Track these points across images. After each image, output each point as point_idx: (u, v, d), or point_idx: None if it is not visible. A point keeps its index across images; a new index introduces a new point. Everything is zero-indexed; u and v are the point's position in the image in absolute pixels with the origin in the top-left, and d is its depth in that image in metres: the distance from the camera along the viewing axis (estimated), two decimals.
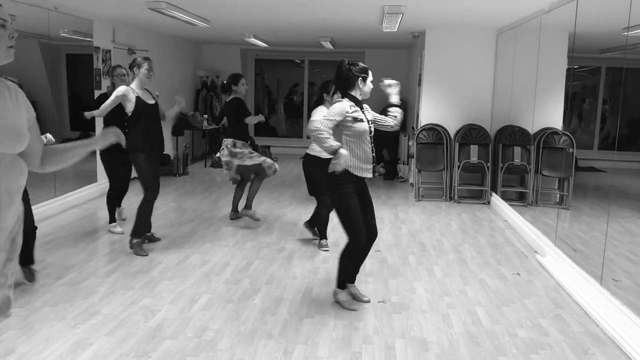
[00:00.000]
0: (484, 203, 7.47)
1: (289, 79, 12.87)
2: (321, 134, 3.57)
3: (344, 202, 3.70)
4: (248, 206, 5.97)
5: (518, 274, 4.68)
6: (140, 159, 4.77)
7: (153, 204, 4.93)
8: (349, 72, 3.76)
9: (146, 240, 5.05)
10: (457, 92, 7.79)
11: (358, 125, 3.70)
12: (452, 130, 7.76)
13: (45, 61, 6.49)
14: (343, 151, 3.53)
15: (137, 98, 4.75)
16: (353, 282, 4.02)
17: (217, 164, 10.10)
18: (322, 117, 3.72)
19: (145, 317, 3.59)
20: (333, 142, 3.55)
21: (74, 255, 4.80)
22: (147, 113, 4.80)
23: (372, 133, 3.82)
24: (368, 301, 3.94)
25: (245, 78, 6.06)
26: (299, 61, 12.47)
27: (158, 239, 5.27)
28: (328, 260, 4.82)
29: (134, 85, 4.81)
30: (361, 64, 3.81)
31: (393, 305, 3.91)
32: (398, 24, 6.86)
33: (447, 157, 7.69)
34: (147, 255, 4.81)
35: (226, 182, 8.65)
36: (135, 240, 4.86)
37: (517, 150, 7.06)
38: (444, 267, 4.79)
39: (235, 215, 6.15)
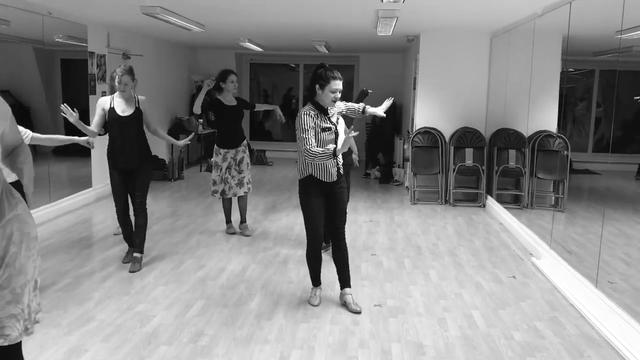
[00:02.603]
0: (480, 206, 7.48)
1: (284, 83, 12.88)
2: (314, 154, 3.57)
3: (302, 202, 3.88)
4: (243, 220, 5.85)
5: (514, 276, 4.68)
6: (111, 173, 4.72)
7: (122, 220, 4.79)
8: (313, 76, 3.72)
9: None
10: (452, 96, 7.80)
11: (324, 135, 3.71)
12: (447, 133, 7.78)
13: (40, 66, 6.48)
14: (337, 149, 3.57)
15: (111, 110, 4.60)
16: (348, 286, 3.98)
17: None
18: (301, 135, 3.66)
19: (140, 323, 3.58)
20: (325, 152, 3.56)
21: (69, 261, 4.78)
22: (116, 125, 4.63)
23: (338, 138, 3.81)
24: (358, 312, 3.82)
25: (240, 79, 5.75)
26: (293, 65, 12.48)
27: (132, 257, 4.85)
28: (324, 265, 4.81)
29: (116, 95, 4.67)
30: (329, 72, 3.67)
31: (389, 309, 3.91)
32: (393, 28, 6.88)
33: (442, 161, 7.70)
34: (126, 262, 4.76)
35: None
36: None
37: (512, 153, 7.07)
38: (439, 271, 4.79)
39: (231, 229, 5.86)
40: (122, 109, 4.61)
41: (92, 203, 7.06)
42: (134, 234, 4.75)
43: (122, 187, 4.69)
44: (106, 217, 6.36)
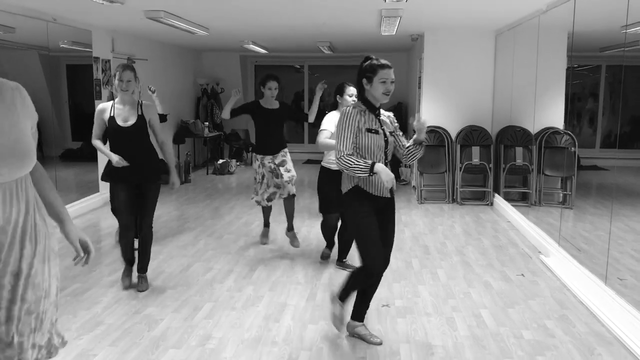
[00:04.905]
0: (487, 204, 7.45)
1: (290, 84, 12.88)
2: (347, 163, 3.03)
3: (356, 221, 3.20)
4: (290, 227, 5.36)
5: (522, 275, 4.65)
6: (112, 187, 4.17)
7: (126, 240, 4.25)
8: (358, 72, 3.22)
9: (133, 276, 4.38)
10: (458, 94, 7.78)
11: (370, 137, 3.11)
12: (453, 132, 7.75)
13: (45, 72, 6.51)
14: (378, 166, 2.97)
15: (110, 119, 4.04)
16: (362, 321, 3.46)
17: (219, 171, 10.11)
18: (338, 134, 3.14)
19: (148, 327, 3.58)
20: (363, 163, 2.99)
21: (77, 266, 4.78)
22: (116, 137, 4.08)
23: (389, 148, 3.23)
24: (379, 343, 3.37)
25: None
26: (298, 66, 12.49)
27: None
28: (331, 265, 4.81)
29: (117, 100, 4.11)
30: (374, 61, 3.17)
31: (397, 310, 3.90)
32: (396, 27, 6.87)
33: (448, 159, 7.68)
34: (127, 286, 4.26)
35: (228, 190, 8.66)
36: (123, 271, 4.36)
37: (519, 150, 7.05)
38: (447, 270, 4.77)
39: (265, 239, 5.58)
40: (124, 118, 4.05)
41: (99, 208, 7.08)
42: (140, 254, 4.34)
43: (128, 202, 4.14)
44: (114, 222, 6.35)
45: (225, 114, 5.10)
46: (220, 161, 10.28)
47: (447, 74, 7.74)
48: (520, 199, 7.07)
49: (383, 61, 3.17)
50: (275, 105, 5.12)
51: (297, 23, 7.01)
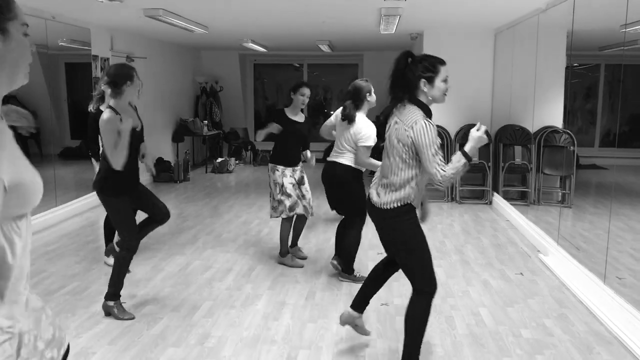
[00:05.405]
0: (486, 203, 7.45)
1: (289, 83, 12.86)
2: (450, 173, 2.62)
3: (413, 238, 2.84)
4: (294, 243, 5.11)
5: (521, 274, 4.66)
6: (116, 201, 3.65)
7: (130, 258, 3.75)
8: (409, 71, 2.77)
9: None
10: (457, 93, 7.71)
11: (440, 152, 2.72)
12: (452, 130, 7.75)
13: (44, 70, 6.50)
14: (467, 150, 2.66)
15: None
16: (362, 313, 3.29)
17: (218, 169, 10.11)
18: (427, 154, 2.66)
19: (148, 325, 3.58)
20: (456, 161, 2.65)
21: (76, 264, 4.79)
22: (129, 145, 3.54)
23: None
24: (368, 334, 3.38)
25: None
26: (297, 65, 12.48)
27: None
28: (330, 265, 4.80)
29: (112, 103, 3.58)
30: (430, 58, 2.78)
31: (396, 308, 3.90)
32: (396, 26, 6.86)
33: (447, 158, 7.66)
34: (133, 318, 3.69)
35: (227, 188, 8.66)
36: (111, 304, 3.71)
37: (518, 149, 7.05)
38: (447, 269, 4.77)
39: (293, 260, 5.00)
40: (133, 125, 3.59)
41: (98, 206, 7.04)
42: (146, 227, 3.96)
43: (133, 218, 3.80)
44: None
45: (260, 137, 4.86)
46: (219, 160, 10.28)
47: (447, 73, 7.72)
48: (519, 198, 7.07)
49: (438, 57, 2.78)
50: (301, 117, 4.86)
51: (297, 22, 7.00)
